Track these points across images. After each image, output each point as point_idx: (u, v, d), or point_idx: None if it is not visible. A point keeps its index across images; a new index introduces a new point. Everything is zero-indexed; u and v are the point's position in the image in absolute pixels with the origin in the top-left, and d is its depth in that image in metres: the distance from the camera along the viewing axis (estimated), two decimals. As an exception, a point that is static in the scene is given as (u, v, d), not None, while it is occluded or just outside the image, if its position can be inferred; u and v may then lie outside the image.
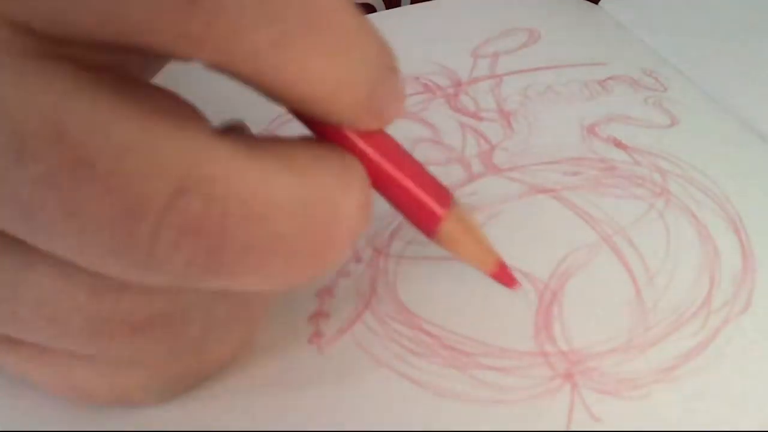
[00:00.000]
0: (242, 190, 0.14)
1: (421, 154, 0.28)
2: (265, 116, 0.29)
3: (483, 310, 0.23)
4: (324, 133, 0.17)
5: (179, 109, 0.15)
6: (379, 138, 0.18)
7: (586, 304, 0.23)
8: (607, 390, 0.21)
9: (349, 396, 0.21)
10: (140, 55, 0.15)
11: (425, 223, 0.19)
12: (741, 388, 0.21)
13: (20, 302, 0.16)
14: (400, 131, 0.29)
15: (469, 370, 0.21)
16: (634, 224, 0.25)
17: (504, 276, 0.21)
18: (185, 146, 0.14)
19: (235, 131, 0.16)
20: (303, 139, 0.17)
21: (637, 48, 0.36)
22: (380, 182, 0.18)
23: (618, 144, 0.29)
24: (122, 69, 0.15)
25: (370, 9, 0.41)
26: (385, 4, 0.41)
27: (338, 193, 0.16)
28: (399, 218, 0.25)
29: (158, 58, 0.16)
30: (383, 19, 0.36)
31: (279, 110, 0.29)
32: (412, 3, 0.41)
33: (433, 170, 0.27)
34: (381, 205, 0.26)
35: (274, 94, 0.15)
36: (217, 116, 0.30)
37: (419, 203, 0.19)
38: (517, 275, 0.23)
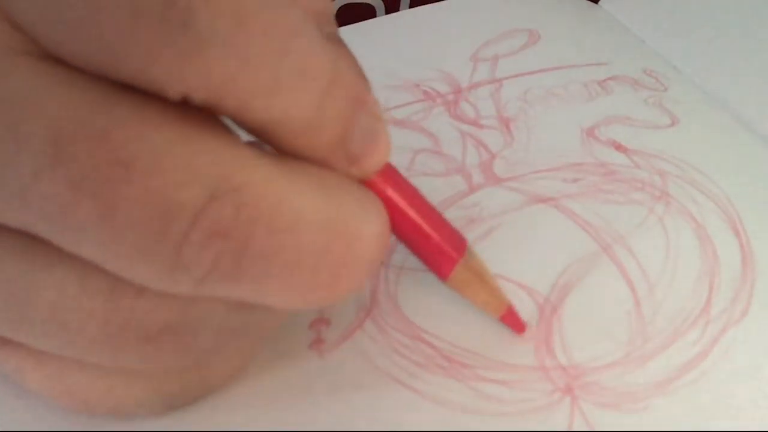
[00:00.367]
0: (272, 199, 0.15)
1: (421, 164, 0.28)
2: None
3: (483, 323, 0.23)
4: None
5: (212, 121, 0.15)
6: (399, 181, 0.18)
7: (586, 317, 0.23)
8: (606, 403, 0.21)
9: (349, 403, 0.21)
10: None
11: (440, 267, 0.20)
12: (740, 398, 0.21)
13: (34, 306, 0.16)
14: (402, 141, 0.29)
15: (470, 382, 0.21)
16: (633, 231, 0.26)
17: (512, 320, 0.22)
18: (220, 153, 0.14)
19: (263, 147, 0.16)
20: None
21: (637, 48, 0.36)
22: (398, 224, 0.18)
23: (618, 147, 0.29)
24: None
25: (370, 11, 0.41)
26: (385, 5, 0.41)
27: (361, 217, 0.16)
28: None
29: None
30: (383, 25, 0.36)
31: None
32: (411, 4, 0.41)
33: (434, 181, 0.27)
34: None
35: (251, 132, 0.16)
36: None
37: (436, 248, 0.20)
38: (518, 289, 0.24)
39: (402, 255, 0.25)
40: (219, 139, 0.15)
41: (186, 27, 0.13)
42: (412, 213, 0.19)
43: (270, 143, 0.16)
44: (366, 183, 0.17)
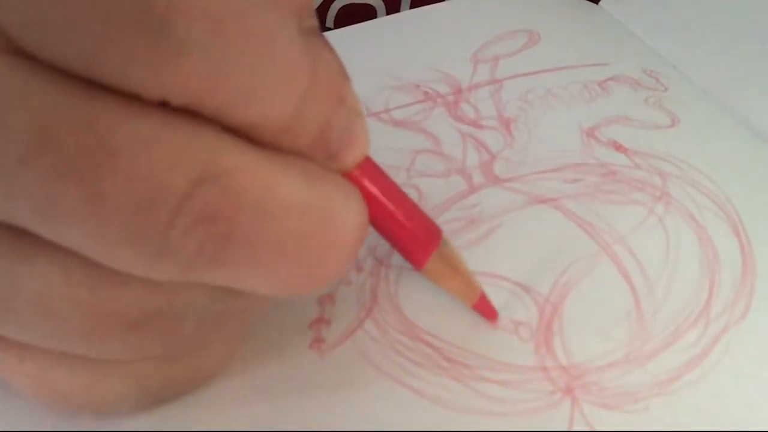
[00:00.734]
0: (257, 185, 0.15)
1: (422, 165, 0.28)
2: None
3: (483, 324, 0.23)
4: None
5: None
6: (376, 173, 0.19)
7: (586, 317, 0.23)
8: (607, 404, 0.21)
9: (349, 402, 0.21)
10: None
11: (415, 257, 0.21)
12: (740, 398, 0.21)
13: (18, 296, 0.16)
14: (403, 142, 0.29)
15: (470, 382, 0.21)
16: (633, 231, 0.26)
17: (485, 309, 0.23)
18: (205, 140, 0.15)
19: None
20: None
21: (637, 48, 0.36)
22: (375, 215, 0.19)
23: (618, 147, 0.29)
24: None
25: (371, 11, 0.41)
26: (385, 5, 0.41)
27: (343, 205, 0.17)
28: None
29: None
30: (383, 26, 0.36)
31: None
32: (412, 5, 0.41)
33: (435, 182, 0.27)
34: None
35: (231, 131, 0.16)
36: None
37: (411, 239, 0.20)
38: (518, 289, 0.24)
39: (402, 255, 0.25)
40: (204, 126, 0.15)
41: (162, 34, 0.13)
42: (388, 204, 0.19)
43: (251, 141, 0.16)
44: (345, 175, 0.18)
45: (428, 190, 0.27)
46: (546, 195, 0.27)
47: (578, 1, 0.39)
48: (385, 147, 0.29)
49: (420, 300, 0.23)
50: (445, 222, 0.26)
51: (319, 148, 0.17)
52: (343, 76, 0.17)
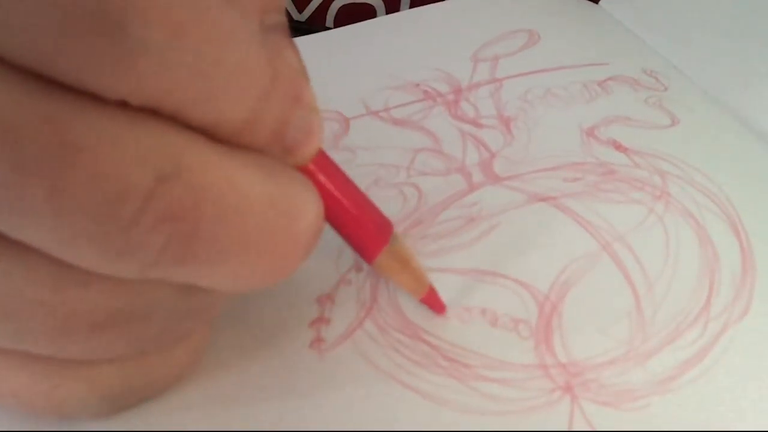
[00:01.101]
0: (219, 181, 0.15)
1: (422, 163, 0.28)
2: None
3: (483, 322, 0.23)
4: None
5: None
6: (330, 167, 0.19)
7: (586, 314, 0.23)
8: (606, 401, 0.21)
9: (349, 402, 0.21)
10: None
11: (366, 251, 0.21)
12: (740, 397, 0.21)
13: None
14: (402, 140, 0.29)
15: (469, 381, 0.21)
16: (633, 230, 0.26)
17: (432, 302, 0.23)
18: (168, 137, 0.14)
19: None
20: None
21: (637, 48, 0.36)
22: (328, 208, 0.19)
23: (618, 147, 0.29)
24: None
25: (370, 11, 0.41)
26: (385, 5, 0.41)
27: (301, 198, 0.17)
28: (401, 229, 0.25)
29: None
30: (383, 25, 0.36)
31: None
32: (411, 5, 0.41)
33: (434, 180, 0.27)
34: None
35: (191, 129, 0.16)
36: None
37: (362, 234, 0.20)
38: (517, 287, 0.24)
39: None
40: (165, 123, 0.15)
41: (118, 36, 0.13)
42: (342, 198, 0.19)
43: (212, 138, 0.16)
44: (300, 169, 0.18)
45: (428, 189, 0.27)
46: (545, 193, 0.27)
47: (578, 1, 0.39)
48: (385, 146, 0.29)
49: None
50: (445, 220, 0.26)
51: (276, 144, 0.17)
52: (302, 74, 0.17)
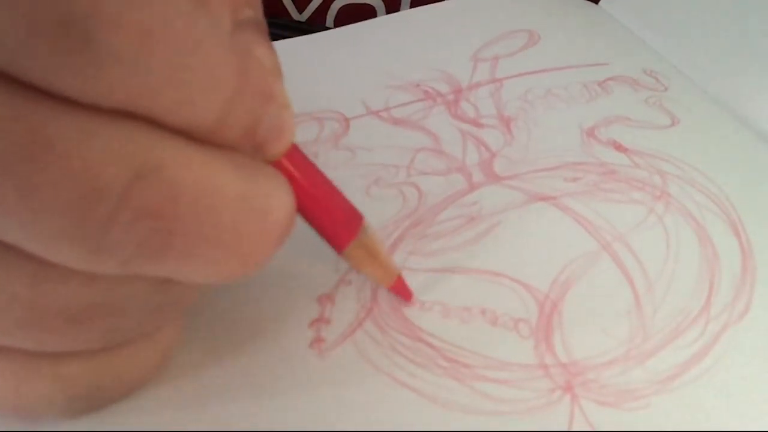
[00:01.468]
0: (194, 178, 0.15)
1: (421, 163, 0.28)
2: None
3: (483, 322, 0.23)
4: None
5: None
6: (301, 161, 0.19)
7: (586, 314, 0.23)
8: (606, 401, 0.21)
9: (349, 402, 0.21)
10: None
11: (336, 242, 0.21)
12: (740, 396, 0.21)
13: None
14: (402, 140, 0.29)
15: (469, 381, 0.21)
16: (633, 230, 0.26)
17: (400, 290, 0.23)
18: (142, 134, 0.14)
19: None
20: None
21: (637, 48, 0.36)
22: (299, 201, 0.19)
23: (618, 147, 0.29)
24: None
25: (370, 11, 0.41)
26: (385, 5, 0.41)
27: (272, 193, 0.17)
28: (400, 229, 0.25)
29: None
30: (383, 25, 0.36)
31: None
32: (412, 5, 0.41)
33: (434, 180, 0.27)
34: (381, 215, 0.26)
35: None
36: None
37: (332, 225, 0.21)
38: (517, 286, 0.24)
39: (403, 255, 0.25)
40: (138, 122, 0.15)
41: (85, 45, 0.13)
42: (313, 191, 0.20)
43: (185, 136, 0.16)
44: (272, 163, 0.18)
45: (428, 188, 0.27)
46: (546, 193, 0.27)
47: (578, 1, 0.39)
48: (385, 145, 0.29)
49: (420, 300, 0.23)
50: (445, 220, 0.26)
51: (248, 142, 0.17)
52: (274, 72, 0.17)
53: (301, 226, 0.25)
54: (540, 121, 0.30)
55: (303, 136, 0.29)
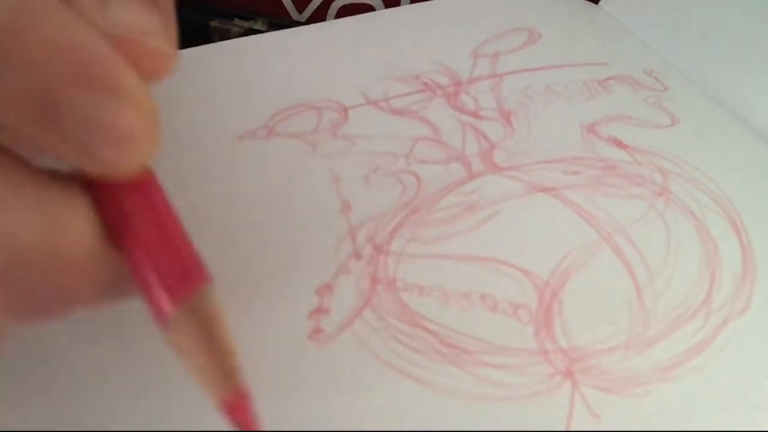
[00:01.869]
0: None
1: (421, 152, 0.28)
2: (265, 112, 0.29)
3: (482, 307, 0.22)
4: None
5: None
6: (128, 191, 0.15)
7: (587, 302, 0.23)
8: (607, 388, 0.21)
9: (349, 392, 0.21)
10: None
11: (153, 312, 0.15)
12: (741, 388, 0.21)
13: None
14: (402, 129, 0.29)
15: (470, 367, 0.21)
16: (634, 224, 0.25)
17: (236, 410, 0.15)
18: None
19: None
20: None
21: (637, 48, 0.36)
22: (117, 241, 0.15)
23: (618, 144, 0.29)
24: None
25: (369, 8, 0.41)
26: (384, 5, 0.41)
27: (69, 227, 0.14)
28: (399, 216, 0.25)
29: None
30: (382, 18, 0.36)
31: (279, 106, 0.30)
32: (411, 2, 0.41)
33: (434, 169, 0.27)
34: (380, 203, 0.26)
35: None
36: (217, 111, 0.30)
37: (147, 285, 0.15)
38: (517, 273, 0.23)
39: (402, 242, 0.25)
40: None
41: None
42: (128, 231, 0.15)
43: None
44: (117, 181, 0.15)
45: (427, 177, 0.27)
46: (546, 184, 0.27)
47: (578, 1, 0.39)
48: (384, 134, 0.29)
49: (419, 286, 0.23)
50: (444, 207, 0.26)
51: (52, 133, 0.14)
52: (118, 62, 0.14)
53: (298, 218, 0.25)
54: (540, 116, 0.30)
55: (302, 125, 0.29)
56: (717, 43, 0.35)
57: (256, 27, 0.39)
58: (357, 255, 0.24)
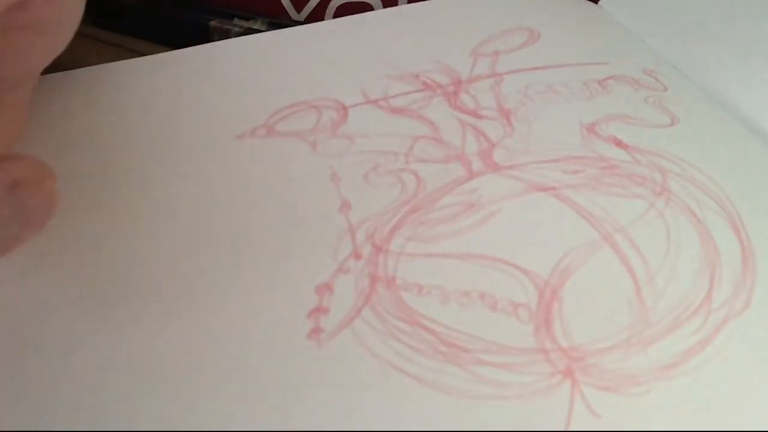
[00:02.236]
0: None
1: (420, 150, 0.28)
2: (264, 111, 0.29)
3: (483, 307, 0.22)
4: None
5: None
6: None
7: (587, 301, 0.23)
8: (607, 386, 0.21)
9: (348, 391, 0.21)
10: None
11: None
12: (741, 387, 0.21)
13: None
14: (401, 128, 0.29)
15: (469, 366, 0.21)
16: (634, 223, 0.25)
17: None
18: None
19: None
20: None
21: (637, 48, 0.36)
22: None
23: (618, 143, 0.29)
24: None
25: (367, 7, 0.41)
26: (384, 5, 0.41)
27: None
28: (399, 215, 0.25)
29: None
30: (381, 18, 0.36)
31: (278, 105, 0.30)
32: (410, 2, 0.41)
33: (433, 167, 0.27)
34: (380, 201, 0.26)
35: None
36: (217, 110, 0.30)
37: None
38: (517, 272, 0.23)
39: (401, 241, 0.25)
40: None
41: None
42: None
43: None
44: None
45: (427, 175, 0.27)
46: (546, 183, 0.27)
47: (578, 0, 0.39)
48: (384, 133, 0.29)
49: (418, 285, 0.23)
50: (444, 206, 0.26)
51: None
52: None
53: (297, 216, 0.25)
54: (540, 115, 0.30)
55: (301, 124, 0.29)
56: (717, 43, 0.35)
57: (255, 27, 0.39)
58: (356, 254, 0.24)
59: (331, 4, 0.41)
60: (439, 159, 0.28)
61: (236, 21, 0.39)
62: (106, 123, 0.28)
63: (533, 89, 0.32)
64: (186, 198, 0.25)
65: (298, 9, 0.42)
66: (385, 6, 0.41)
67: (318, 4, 0.41)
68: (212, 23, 0.39)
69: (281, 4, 0.41)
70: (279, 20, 0.39)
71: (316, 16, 0.42)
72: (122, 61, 0.32)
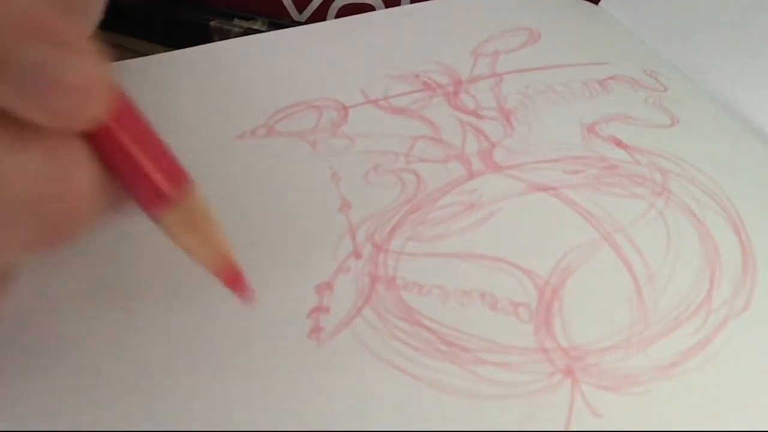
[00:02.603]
0: None
1: (420, 150, 0.28)
2: (264, 111, 0.29)
3: (482, 305, 0.22)
4: None
5: None
6: (120, 120, 0.16)
7: (587, 300, 0.23)
8: (607, 386, 0.20)
9: (348, 391, 0.21)
10: None
11: (149, 201, 0.17)
12: (741, 387, 0.21)
13: None
14: (401, 128, 0.29)
15: (469, 365, 0.21)
16: (634, 223, 0.25)
17: (231, 278, 0.19)
18: None
19: None
20: None
21: (637, 48, 0.36)
22: (107, 153, 0.17)
23: (618, 143, 0.29)
24: None
25: (369, 8, 0.41)
26: (385, 5, 0.41)
27: (70, 174, 0.15)
28: (399, 214, 0.25)
29: None
30: (382, 18, 0.36)
31: (279, 105, 0.30)
32: (412, 2, 0.41)
33: (433, 167, 0.27)
34: (380, 201, 0.26)
35: None
36: (217, 110, 0.30)
37: (146, 177, 0.17)
38: (517, 271, 0.23)
39: (401, 240, 0.25)
40: None
41: None
42: (124, 140, 0.16)
43: None
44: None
45: (427, 175, 0.27)
46: (546, 183, 0.27)
47: (578, 0, 0.39)
48: (384, 133, 0.29)
49: (418, 285, 0.23)
50: (444, 206, 0.26)
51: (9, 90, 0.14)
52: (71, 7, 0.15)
53: (298, 216, 0.25)
54: (540, 115, 0.30)
55: (302, 124, 0.29)
56: (717, 43, 0.35)
57: (255, 27, 0.39)
58: (357, 253, 0.24)
59: (334, 4, 0.41)
60: (440, 159, 0.28)
61: (236, 21, 0.39)
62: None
63: (533, 89, 0.32)
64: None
65: (300, 9, 0.42)
66: (386, 7, 0.41)
67: (320, 4, 0.41)
68: (212, 23, 0.39)
69: (282, 4, 0.41)
70: (279, 20, 0.39)
71: (318, 16, 0.42)
72: (122, 61, 0.32)
